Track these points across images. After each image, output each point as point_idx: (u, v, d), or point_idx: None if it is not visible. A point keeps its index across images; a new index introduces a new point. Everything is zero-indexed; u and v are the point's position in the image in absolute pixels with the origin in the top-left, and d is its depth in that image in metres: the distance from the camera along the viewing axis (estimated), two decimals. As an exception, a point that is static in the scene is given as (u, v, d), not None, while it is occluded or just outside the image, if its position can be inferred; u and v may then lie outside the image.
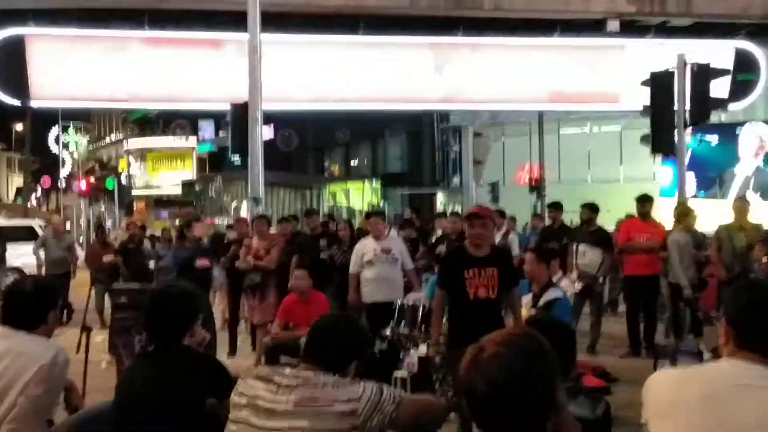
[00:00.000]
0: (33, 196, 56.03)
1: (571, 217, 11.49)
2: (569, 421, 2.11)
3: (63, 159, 47.50)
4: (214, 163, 49.02)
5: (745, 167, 19.44)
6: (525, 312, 6.14)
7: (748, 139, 19.27)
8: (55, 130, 48.48)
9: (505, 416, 1.74)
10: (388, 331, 7.28)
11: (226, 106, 12.03)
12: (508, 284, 5.40)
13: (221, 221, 28.91)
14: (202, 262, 8.01)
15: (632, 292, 9.21)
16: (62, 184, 46.57)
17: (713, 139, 19.46)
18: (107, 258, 11.72)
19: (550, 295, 5.88)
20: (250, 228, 9.49)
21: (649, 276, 8.89)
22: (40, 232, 15.60)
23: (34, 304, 3.22)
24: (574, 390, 2.67)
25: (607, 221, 9.72)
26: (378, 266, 8.05)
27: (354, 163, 42.18)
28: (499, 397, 1.73)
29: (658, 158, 17.19)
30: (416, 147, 35.74)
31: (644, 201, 9.16)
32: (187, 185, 49.48)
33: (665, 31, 16.57)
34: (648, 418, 2.19)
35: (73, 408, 3.50)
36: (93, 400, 3.89)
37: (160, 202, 48.55)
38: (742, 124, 19.67)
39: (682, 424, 2.08)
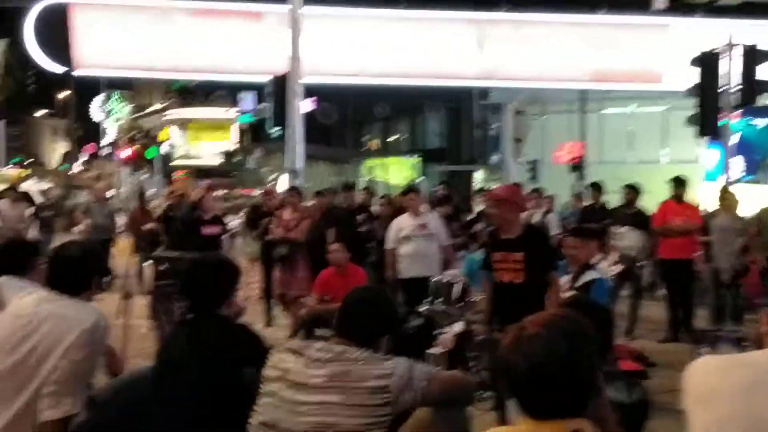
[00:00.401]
0: (77, 163, 57.01)
1: (611, 198, 11.33)
2: (606, 407, 2.09)
3: (106, 127, 48.15)
4: (253, 134, 49.33)
5: (791, 151, 18.96)
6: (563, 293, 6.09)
7: (796, 122, 18.77)
8: (98, 98, 49.13)
9: (546, 397, 1.75)
10: (423, 307, 7.28)
11: (266, 78, 12.07)
12: (538, 268, 5.08)
13: (259, 192, 29.11)
14: (210, 230, 8.01)
15: (667, 275, 9.08)
16: (105, 151, 47.25)
17: (761, 122, 19.01)
18: (147, 226, 11.88)
19: (588, 276, 5.81)
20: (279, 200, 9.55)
21: (684, 260, 8.74)
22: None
23: (80, 270, 3.28)
24: (611, 374, 2.64)
25: (648, 203, 9.56)
26: (414, 242, 8.05)
27: (392, 138, 42.07)
28: (539, 378, 1.74)
29: (703, 140, 16.86)
30: (455, 123, 35.50)
31: (679, 183, 8.98)
32: (226, 156, 49.91)
33: (713, 10, 16.15)
34: (689, 405, 2.15)
35: (113, 373, 3.57)
36: (133, 365, 3.97)
37: (200, 173, 49.06)
38: (791, 107, 19.16)
39: (723, 412, 2.04)
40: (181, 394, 2.93)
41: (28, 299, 3.21)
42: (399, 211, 9.08)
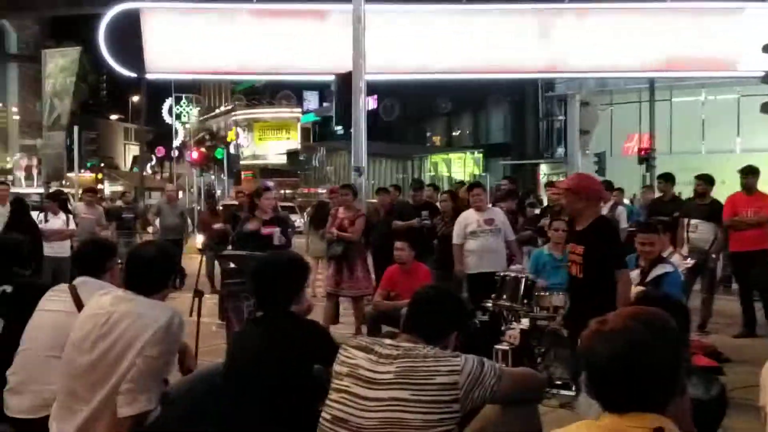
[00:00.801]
0: (148, 166, 58.64)
1: (682, 189, 11.02)
2: (688, 409, 2.03)
3: (176, 129, 49.40)
4: (317, 133, 49.84)
5: None
6: (632, 288, 5.96)
7: None
8: (168, 102, 50.42)
9: (627, 388, 1.72)
10: (489, 303, 7.24)
11: (330, 77, 12.15)
12: (599, 264, 4.71)
13: (324, 190, 29.42)
14: (268, 230, 8.01)
15: (740, 269, 8.78)
16: (175, 153, 48.48)
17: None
18: (217, 225, 12.12)
19: (660, 270, 5.68)
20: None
21: (757, 252, 8.43)
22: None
23: (158, 270, 3.38)
24: (688, 370, 2.57)
25: (721, 194, 9.26)
26: (481, 237, 8.01)
27: (456, 133, 41.92)
28: (621, 368, 1.71)
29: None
30: (519, 117, 35.14)
31: (748, 173, 8.65)
32: (291, 155, 50.58)
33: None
34: (766, 403, 2.08)
35: (187, 369, 3.65)
36: (203, 362, 4.05)
37: (266, 172, 49.86)
38: None
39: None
40: (252, 390, 2.98)
41: (105, 298, 3.32)
42: (460, 206, 9.03)
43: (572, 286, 5.06)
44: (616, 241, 4.74)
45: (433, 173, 35.88)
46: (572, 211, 4.84)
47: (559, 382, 5.83)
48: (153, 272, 3.35)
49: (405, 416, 2.46)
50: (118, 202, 14.20)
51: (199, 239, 13.36)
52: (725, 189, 9.62)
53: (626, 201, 13.72)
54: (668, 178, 10.14)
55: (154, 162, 62.60)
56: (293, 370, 2.96)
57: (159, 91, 44.35)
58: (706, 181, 9.03)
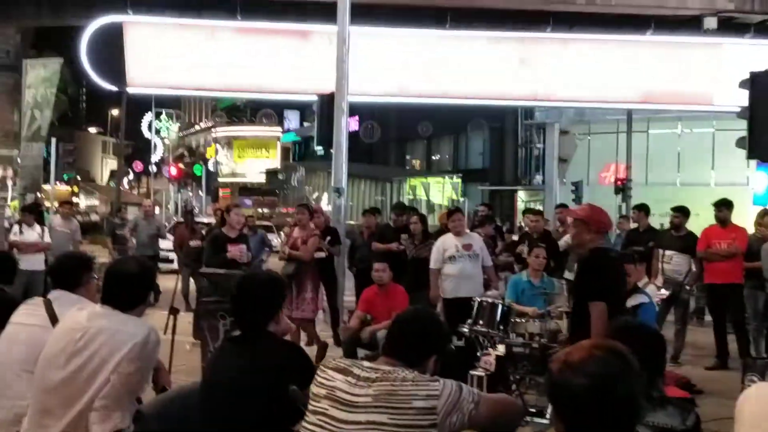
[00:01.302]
0: (125, 180, 58.22)
1: (658, 221, 11.15)
2: None
3: (155, 144, 49.15)
4: (297, 153, 49.85)
5: None
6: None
7: None
8: (148, 117, 50.21)
9: (599, 418, 1.79)
10: (465, 328, 7.25)
11: (312, 97, 12.17)
12: (581, 295, 4.70)
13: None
14: (233, 252, 8.01)
15: (713, 301, 8.88)
16: (153, 168, 48.21)
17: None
18: (194, 243, 12.05)
19: (636, 299, 5.72)
20: (322, 218, 9.59)
21: (729, 285, 8.53)
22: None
23: (137, 285, 3.34)
24: (663, 399, 2.59)
25: (695, 227, 9.39)
26: (459, 262, 8.04)
27: (435, 157, 42.11)
28: (595, 397, 1.78)
29: (753, 163, 16.53)
30: (498, 143, 35.40)
31: (721, 206, 8.78)
32: (270, 174, 50.50)
33: (766, 30, 15.86)
34: (741, 433, 2.10)
35: (161, 388, 3.61)
36: (177, 380, 4.01)
37: (245, 190, 49.71)
38: None
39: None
40: (229, 410, 2.95)
41: (81, 314, 3.28)
42: (441, 229, 9.08)
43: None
44: (601, 273, 4.65)
45: (411, 197, 35.97)
46: (578, 242, 4.83)
47: (533, 410, 5.83)
48: (132, 288, 3.31)
49: None
50: (116, 219, 14.06)
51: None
52: (700, 221, 9.77)
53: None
54: (643, 209, 10.27)
55: (131, 177, 62.20)
56: (271, 392, 2.93)
57: (139, 105, 44.15)
58: (682, 213, 9.16)
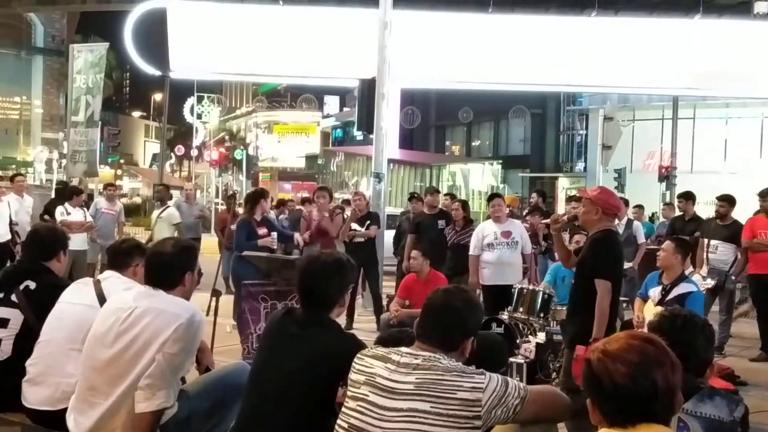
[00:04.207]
0: (167, 164, 58.97)
1: (702, 209, 10.92)
2: None
3: (196, 128, 49.65)
4: (336, 138, 49.96)
5: None
6: (652, 306, 5.91)
7: None
8: (190, 101, 50.70)
9: (642, 404, 1.84)
10: (505, 316, 7.22)
11: (353, 83, 12.18)
12: (587, 274, 4.70)
13: (341, 195, 29.45)
14: (261, 231, 8.11)
15: (758, 292, 8.70)
16: (194, 152, 48.73)
17: None
18: (234, 226, 12.15)
19: (683, 288, 5.63)
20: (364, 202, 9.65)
21: None
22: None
23: (173, 265, 3.37)
24: (711, 390, 2.54)
25: (742, 216, 9.18)
26: (498, 249, 7.98)
27: (475, 143, 41.86)
28: (639, 384, 1.83)
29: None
30: (540, 129, 35.06)
31: (766, 196, 8.58)
32: (310, 159, 50.69)
33: (820, 14, 15.42)
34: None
35: (204, 368, 3.67)
36: (218, 362, 4.05)
37: (284, 174, 50.00)
38: None
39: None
40: (281, 395, 2.90)
41: (128, 294, 3.34)
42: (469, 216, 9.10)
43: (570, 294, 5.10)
44: (608, 253, 4.69)
45: (450, 183, 35.82)
46: (585, 221, 4.87)
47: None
48: (170, 268, 3.35)
49: (423, 428, 2.42)
50: (156, 203, 14.18)
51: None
52: (747, 210, 9.54)
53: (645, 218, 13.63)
54: (689, 197, 10.07)
55: (173, 160, 62.97)
56: (324, 383, 2.87)
57: (181, 89, 44.66)
58: (728, 202, 8.96)
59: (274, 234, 8.00)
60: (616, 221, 10.16)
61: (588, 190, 5.00)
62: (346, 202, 13.05)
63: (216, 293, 6.84)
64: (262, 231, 7.87)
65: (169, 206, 11.46)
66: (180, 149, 50.08)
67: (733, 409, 2.50)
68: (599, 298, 4.52)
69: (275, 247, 8.01)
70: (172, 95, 30.94)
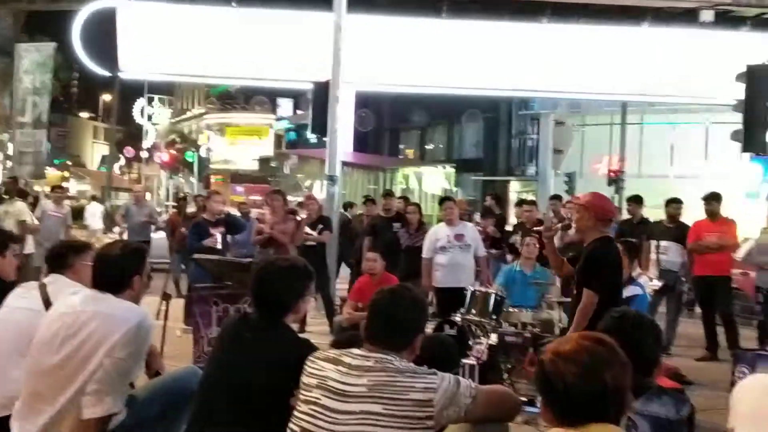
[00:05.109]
0: (116, 166, 57.92)
1: (650, 212, 11.17)
2: None
3: (146, 130, 48.90)
4: (290, 140, 49.70)
5: (838, 169, 18.60)
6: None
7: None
8: (140, 102, 49.91)
9: (592, 404, 1.87)
10: (457, 318, 7.26)
11: (306, 85, 12.13)
12: (581, 283, 4.76)
13: (295, 198, 29.28)
14: (214, 231, 8.08)
15: (702, 293, 8.93)
16: (145, 154, 47.97)
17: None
18: (184, 229, 12.01)
19: (630, 291, 5.75)
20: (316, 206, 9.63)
21: (718, 277, 8.59)
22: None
23: (121, 268, 3.31)
24: (659, 390, 2.60)
25: (688, 219, 9.43)
26: (451, 252, 8.04)
27: (429, 146, 42.06)
28: (588, 385, 1.87)
29: (746, 156, 16.56)
30: (492, 133, 35.38)
31: (710, 199, 8.83)
32: (263, 161, 50.31)
33: (762, 23, 15.86)
34: (735, 425, 2.11)
35: (154, 373, 3.60)
36: (167, 367, 3.99)
37: (237, 177, 49.56)
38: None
39: (772, 433, 2.00)
40: (233, 401, 2.86)
41: (74, 298, 3.26)
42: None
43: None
44: (601, 266, 4.68)
45: (404, 186, 35.94)
46: (579, 227, 4.87)
47: (524, 399, 5.85)
48: (117, 271, 3.29)
49: (376, 430, 2.42)
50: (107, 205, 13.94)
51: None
52: (693, 214, 9.79)
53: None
54: (637, 201, 10.29)
55: (122, 162, 61.86)
56: (283, 388, 2.81)
57: (131, 90, 43.91)
58: (677, 204, 9.22)
59: (218, 236, 7.94)
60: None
61: (580, 196, 5.01)
62: (301, 204, 13.03)
63: (166, 297, 6.75)
64: (219, 230, 7.81)
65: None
66: (129, 151, 49.29)
67: (680, 408, 2.56)
68: (580, 307, 4.52)
69: (219, 247, 7.95)
70: (122, 96, 30.52)
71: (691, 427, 2.63)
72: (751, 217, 13.35)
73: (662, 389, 2.63)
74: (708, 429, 4.38)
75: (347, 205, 13.54)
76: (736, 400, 2.14)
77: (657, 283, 8.50)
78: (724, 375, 6.87)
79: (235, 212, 12.91)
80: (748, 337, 8.73)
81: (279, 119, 50.93)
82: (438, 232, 8.23)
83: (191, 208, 13.86)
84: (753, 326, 8.96)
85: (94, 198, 23.84)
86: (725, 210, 9.14)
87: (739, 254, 8.74)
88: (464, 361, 6.27)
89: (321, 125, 10.89)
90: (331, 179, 10.79)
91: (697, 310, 9.49)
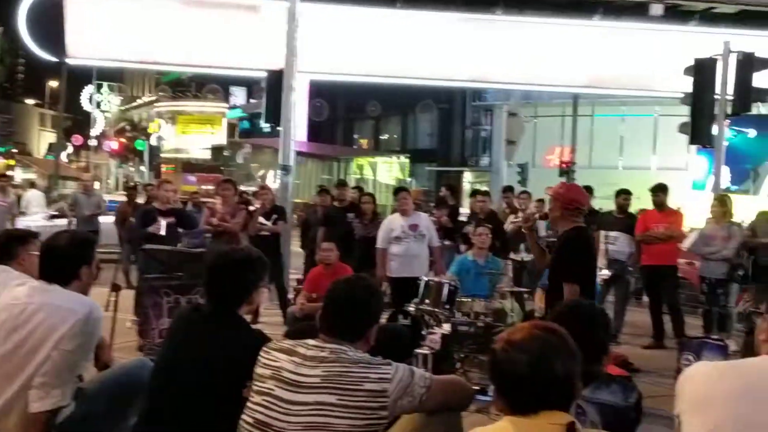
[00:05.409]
0: (64, 154, 56.67)
1: (601, 203, 11.37)
2: None
3: (95, 118, 47.89)
4: (243, 129, 49.23)
5: (781, 162, 19.15)
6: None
7: (786, 132, 18.97)
8: (88, 89, 48.84)
9: (542, 392, 1.90)
10: (411, 308, 7.29)
11: (260, 74, 12.00)
12: (557, 274, 4.82)
13: (247, 188, 29.02)
14: (164, 220, 7.98)
15: (649, 282, 9.12)
16: (93, 142, 47.00)
17: (750, 131, 19.19)
18: (133, 219, 11.81)
19: (579, 281, 5.82)
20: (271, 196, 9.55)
21: (665, 266, 8.79)
22: None
23: (68, 259, 3.24)
24: (607, 377, 2.65)
25: (636, 210, 9.63)
26: (405, 242, 8.07)
27: (383, 137, 42.08)
28: (538, 372, 1.89)
29: (693, 148, 16.95)
30: (446, 124, 35.56)
31: (657, 190, 9.02)
32: (215, 150, 49.76)
33: (710, 17, 16.21)
34: (681, 411, 2.16)
35: (102, 365, 3.54)
36: (118, 358, 3.93)
37: (189, 166, 48.94)
38: (780, 117, 19.37)
39: (717, 417, 2.05)
40: (185, 392, 2.82)
41: (21, 289, 3.19)
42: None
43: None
44: (575, 254, 4.70)
45: (359, 176, 35.92)
46: (552, 219, 4.93)
47: (476, 387, 5.90)
48: (64, 262, 3.22)
49: (330, 421, 2.42)
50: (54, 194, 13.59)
51: None
52: (641, 204, 10.00)
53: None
54: (588, 191, 10.43)
55: (70, 150, 60.53)
56: (236, 380, 2.77)
57: (79, 77, 42.92)
58: (626, 195, 9.39)
59: (163, 223, 7.84)
60: (521, 215, 10.53)
61: (554, 187, 5.07)
62: (255, 194, 12.93)
63: (116, 288, 6.63)
64: (168, 220, 7.70)
65: None
66: (77, 139, 48.20)
67: (627, 395, 2.61)
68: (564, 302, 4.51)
69: (162, 233, 7.82)
70: (70, 83, 29.77)
71: (639, 413, 2.69)
72: (698, 207, 13.69)
73: (611, 377, 2.68)
74: (655, 415, 4.46)
75: None
76: (682, 387, 2.19)
77: (606, 273, 8.64)
78: (670, 362, 7.03)
79: (189, 207, 12.80)
80: (694, 326, 8.93)
81: (232, 108, 50.37)
82: (392, 223, 8.25)
83: (141, 198, 13.64)
84: (698, 315, 9.16)
85: (32, 185, 23.20)
86: (672, 201, 9.34)
87: (686, 244, 8.92)
88: (418, 350, 6.31)
89: (275, 114, 10.80)
90: (285, 169, 10.71)
91: (645, 299, 9.69)
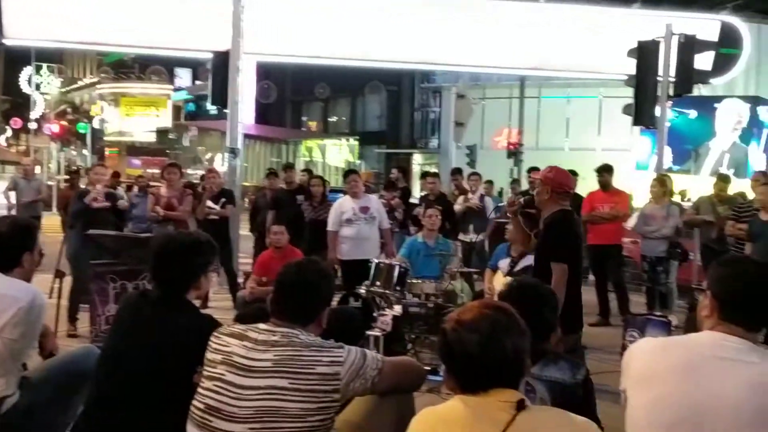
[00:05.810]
0: (3, 138, 55.00)
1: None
2: None
3: (34, 100, 46.50)
4: (189, 112, 48.47)
5: (721, 142, 19.68)
6: (501, 276, 6.18)
7: (726, 114, 19.49)
8: (27, 71, 47.34)
9: (493, 370, 1.93)
10: (362, 290, 7.30)
11: (206, 55, 11.81)
12: (544, 255, 4.86)
13: (194, 172, 28.65)
14: (99, 205, 7.79)
15: (595, 261, 9.29)
16: (33, 126, 45.67)
17: (691, 112, 19.66)
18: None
19: (530, 260, 5.91)
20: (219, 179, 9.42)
21: (610, 246, 8.97)
22: None
23: (9, 245, 3.16)
24: (555, 355, 2.70)
25: (582, 190, 9.77)
26: (356, 225, 8.06)
27: (332, 119, 41.92)
28: (488, 352, 1.92)
29: (636, 129, 17.29)
30: (395, 106, 35.60)
31: (602, 171, 9.18)
32: (161, 133, 48.92)
33: (653, 0, 16.52)
34: (628, 386, 2.21)
35: (47, 353, 3.46)
36: (63, 345, 3.85)
37: (133, 149, 47.99)
38: (719, 99, 19.86)
39: (660, 393, 2.11)
40: (133, 378, 2.79)
41: (-40, 277, 3.09)
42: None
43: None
44: (561, 235, 4.79)
45: (308, 158, 35.74)
46: (539, 202, 4.97)
47: (427, 368, 5.95)
48: (8, 247, 3.14)
49: (282, 405, 2.41)
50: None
51: None
52: (587, 185, 10.16)
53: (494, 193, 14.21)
54: (573, 175, 10.55)
55: (9, 134, 58.76)
56: (185, 365, 2.75)
57: (17, 58, 41.65)
58: (576, 176, 9.51)
59: (100, 189, 7.65)
60: (471, 195, 10.61)
61: (543, 171, 5.10)
62: (203, 177, 12.75)
63: (60, 274, 6.49)
64: (101, 205, 7.53)
65: None
66: (16, 122, 46.73)
67: (575, 372, 2.67)
68: (554, 282, 4.53)
69: (95, 206, 7.58)
70: (7, 64, 28.85)
71: (587, 389, 2.75)
72: (642, 188, 13.99)
73: (558, 354, 2.73)
74: (601, 391, 4.55)
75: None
76: (627, 363, 2.24)
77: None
78: (615, 339, 7.20)
79: (135, 192, 12.53)
80: (638, 303, 9.14)
81: (177, 90, 49.51)
82: (343, 205, 8.23)
83: (84, 183, 13.31)
84: (642, 292, 9.38)
85: None
86: (617, 181, 9.51)
87: (630, 223, 9.11)
88: (369, 332, 6.33)
89: (221, 96, 10.65)
90: (233, 152, 10.59)
91: (591, 277, 9.89)
